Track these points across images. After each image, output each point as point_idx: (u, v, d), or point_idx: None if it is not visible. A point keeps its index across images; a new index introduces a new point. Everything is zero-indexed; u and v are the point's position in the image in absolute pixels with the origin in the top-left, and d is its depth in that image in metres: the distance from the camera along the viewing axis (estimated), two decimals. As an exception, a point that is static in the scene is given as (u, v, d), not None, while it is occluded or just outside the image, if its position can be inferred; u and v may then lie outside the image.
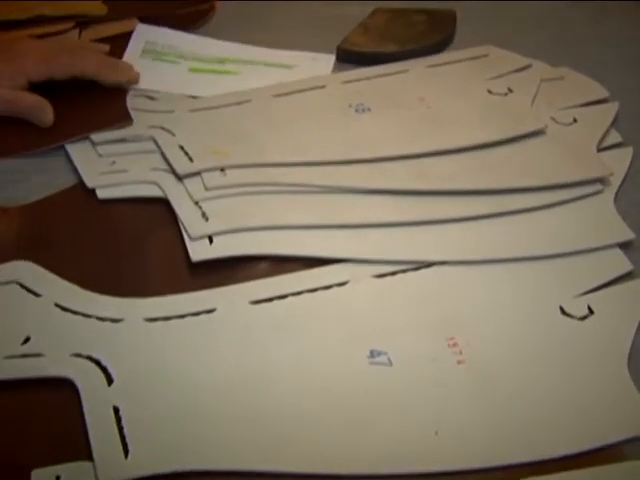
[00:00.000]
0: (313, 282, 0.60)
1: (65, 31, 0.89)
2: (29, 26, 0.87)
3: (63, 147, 0.74)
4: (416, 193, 0.67)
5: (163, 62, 0.87)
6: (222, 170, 0.68)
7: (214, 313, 0.58)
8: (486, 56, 0.87)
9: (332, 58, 0.88)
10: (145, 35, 0.90)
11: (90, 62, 0.77)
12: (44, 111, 0.74)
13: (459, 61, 0.86)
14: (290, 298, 0.59)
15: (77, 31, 0.89)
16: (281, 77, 0.84)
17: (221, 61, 0.87)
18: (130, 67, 0.80)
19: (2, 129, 0.75)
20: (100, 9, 0.91)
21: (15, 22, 0.87)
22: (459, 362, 0.55)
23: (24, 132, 0.75)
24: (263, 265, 0.62)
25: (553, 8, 1.01)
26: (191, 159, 0.69)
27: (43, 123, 0.74)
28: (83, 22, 0.90)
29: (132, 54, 0.87)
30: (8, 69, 0.74)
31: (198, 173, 0.68)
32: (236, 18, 0.97)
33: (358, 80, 0.83)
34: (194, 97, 0.81)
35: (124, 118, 0.75)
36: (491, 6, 1.01)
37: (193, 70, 0.85)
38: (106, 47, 0.84)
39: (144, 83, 0.82)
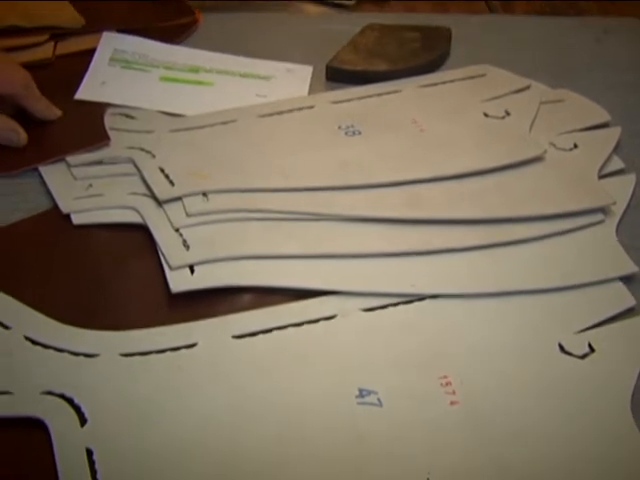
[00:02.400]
0: (299, 315, 0.58)
1: (39, 43, 0.85)
2: (1, 37, 0.84)
3: (36, 168, 0.70)
4: (408, 222, 0.64)
5: (132, 70, 0.83)
6: (204, 195, 0.65)
7: (195, 348, 0.55)
8: (483, 76, 0.84)
9: (310, 69, 0.85)
10: (113, 43, 0.87)
11: (19, 81, 0.73)
12: (14, 132, 0.71)
13: (454, 81, 0.83)
14: (275, 332, 0.56)
15: (52, 44, 0.85)
16: (257, 89, 0.82)
17: (194, 70, 0.84)
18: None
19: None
20: (76, 21, 0.88)
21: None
22: (452, 403, 0.52)
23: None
24: (247, 297, 0.59)
25: (552, 27, 0.98)
26: (172, 183, 0.66)
27: (16, 144, 0.71)
28: (58, 34, 0.86)
29: (99, 62, 0.84)
30: None
31: (179, 198, 0.65)
32: (221, 32, 0.93)
33: (348, 100, 0.80)
34: (173, 114, 0.77)
35: (102, 138, 0.71)
36: (488, 24, 0.98)
37: (164, 79, 0.82)
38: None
39: (112, 95, 0.79)
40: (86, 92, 0.79)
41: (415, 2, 1.05)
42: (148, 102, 0.78)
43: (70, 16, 0.88)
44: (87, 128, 0.74)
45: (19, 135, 0.71)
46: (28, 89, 0.73)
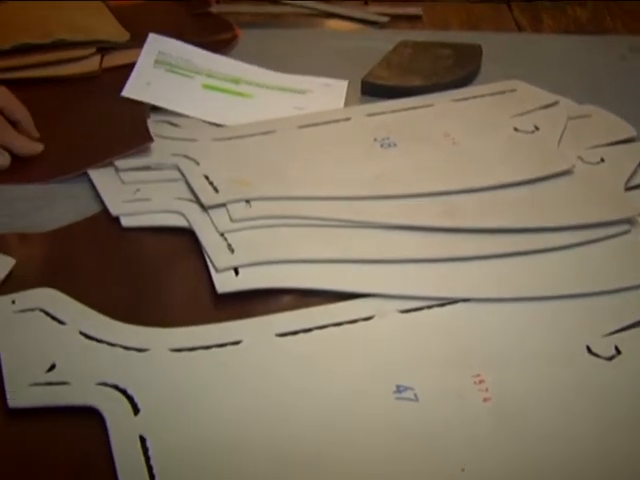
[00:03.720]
0: (338, 316, 0.60)
1: (86, 57, 0.89)
2: (48, 51, 0.88)
3: (86, 173, 0.73)
4: (443, 230, 0.67)
5: (176, 75, 0.86)
6: (247, 202, 0.68)
7: (240, 345, 0.57)
8: (513, 91, 0.86)
9: (345, 84, 0.88)
10: (158, 45, 0.90)
11: None
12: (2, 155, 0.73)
13: (485, 96, 0.86)
14: (316, 331, 0.59)
15: (98, 57, 0.89)
16: (295, 102, 0.85)
17: (235, 81, 0.87)
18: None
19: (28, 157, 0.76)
20: (122, 35, 0.91)
21: (34, 46, 0.87)
22: (485, 400, 0.54)
23: (47, 159, 0.75)
24: (288, 298, 0.62)
25: (579, 45, 1.01)
26: (216, 190, 0.69)
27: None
28: (104, 48, 0.90)
29: (145, 63, 0.87)
30: None
31: (223, 204, 0.68)
32: (259, 47, 0.97)
33: (383, 113, 0.82)
34: (216, 124, 0.80)
35: (146, 139, 0.75)
36: (516, 41, 1.01)
37: (206, 87, 0.85)
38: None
39: (156, 96, 0.82)
40: (132, 90, 0.83)
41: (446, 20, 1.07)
42: (190, 108, 0.82)
43: (115, 30, 0.91)
44: (131, 130, 0.77)
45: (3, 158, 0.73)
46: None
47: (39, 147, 0.75)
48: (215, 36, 0.96)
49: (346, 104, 0.86)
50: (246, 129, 0.79)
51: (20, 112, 0.76)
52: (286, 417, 0.52)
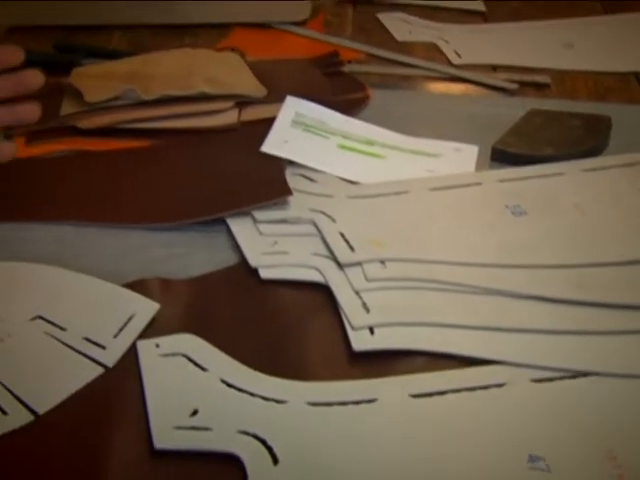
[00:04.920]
0: (471, 381, 0.61)
1: (225, 110, 0.92)
2: (189, 102, 0.91)
3: (225, 222, 0.76)
4: (573, 302, 0.67)
5: (312, 134, 0.89)
6: (382, 262, 0.69)
7: (375, 403, 0.58)
8: (642, 163, 0.87)
9: (475, 149, 0.89)
10: (295, 106, 0.93)
11: None
12: None
13: (614, 167, 0.86)
14: (449, 395, 0.59)
15: (237, 111, 0.92)
16: (427, 165, 0.86)
17: (369, 142, 0.89)
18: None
19: (165, 198, 0.79)
20: (259, 91, 0.94)
21: (177, 98, 0.90)
22: (620, 477, 0.54)
23: (185, 203, 0.78)
24: (420, 359, 0.63)
25: None
26: (352, 248, 0.71)
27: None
28: (242, 102, 0.93)
29: (282, 123, 0.90)
30: None
31: (359, 263, 0.69)
32: (389, 108, 0.98)
33: (514, 180, 0.83)
34: (351, 181, 0.82)
35: (285, 192, 0.77)
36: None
37: (341, 147, 0.88)
38: None
39: (294, 153, 0.84)
40: (270, 146, 0.85)
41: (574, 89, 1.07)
42: (327, 166, 0.84)
43: (253, 86, 0.94)
44: (270, 182, 0.80)
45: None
46: None
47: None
48: (348, 95, 0.98)
49: (476, 169, 0.86)
50: (380, 188, 0.80)
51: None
52: (417, 478, 0.53)
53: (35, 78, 0.71)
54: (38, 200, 0.80)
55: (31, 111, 0.71)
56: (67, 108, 0.90)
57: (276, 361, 0.62)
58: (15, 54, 0.70)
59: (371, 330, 0.64)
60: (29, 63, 1.00)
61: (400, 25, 1.24)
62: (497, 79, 1.07)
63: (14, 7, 1.17)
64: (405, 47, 1.17)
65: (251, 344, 0.64)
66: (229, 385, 0.59)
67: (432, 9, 1.31)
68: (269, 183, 0.79)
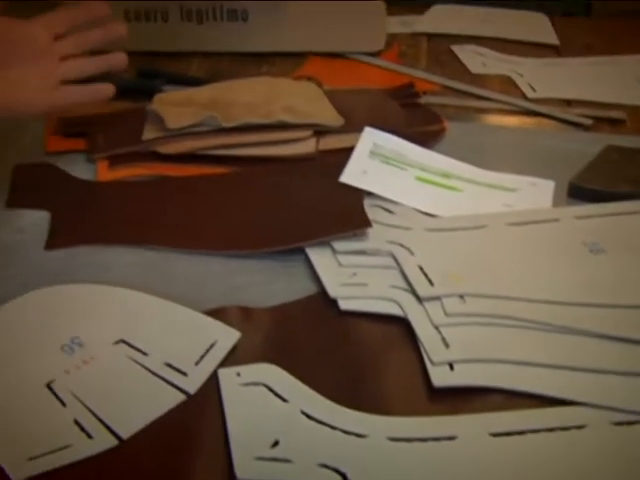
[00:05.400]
0: (551, 421, 0.60)
1: (302, 139, 0.92)
2: (268, 130, 0.92)
3: (303, 251, 0.76)
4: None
5: (390, 166, 0.89)
6: (461, 297, 0.69)
7: (455, 441, 0.58)
8: None
9: (552, 185, 0.89)
10: (373, 137, 0.93)
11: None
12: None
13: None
14: (529, 435, 0.59)
15: (315, 140, 0.92)
16: (503, 199, 0.86)
17: (446, 175, 0.89)
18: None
19: (245, 225, 0.80)
20: (337, 120, 0.95)
21: (256, 126, 0.91)
22: None
23: (265, 231, 0.79)
24: (499, 396, 0.62)
25: None
26: (431, 282, 0.71)
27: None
28: (320, 131, 0.94)
29: (361, 154, 0.90)
30: None
31: (438, 297, 0.69)
32: (464, 140, 0.98)
33: (592, 217, 0.83)
34: (428, 214, 0.83)
35: (364, 224, 0.77)
36: None
37: (419, 179, 0.88)
38: None
39: (372, 184, 0.85)
40: (349, 177, 0.86)
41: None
42: (405, 198, 0.84)
43: (331, 116, 0.95)
44: (349, 213, 0.80)
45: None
46: None
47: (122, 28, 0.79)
48: (424, 127, 0.99)
49: (553, 205, 0.86)
50: (458, 222, 0.80)
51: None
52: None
53: (120, 28, 0.81)
54: (120, 223, 0.81)
55: (121, 59, 0.74)
56: (149, 133, 0.91)
57: (355, 393, 0.62)
58: (101, 7, 0.74)
59: (451, 366, 0.64)
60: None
61: (474, 57, 1.24)
62: (572, 114, 1.07)
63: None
64: (479, 79, 1.17)
65: (330, 375, 0.64)
66: (309, 417, 0.59)
67: (505, 42, 1.32)
68: (348, 214, 0.79)
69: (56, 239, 0.78)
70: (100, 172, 0.89)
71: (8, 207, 0.84)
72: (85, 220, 0.81)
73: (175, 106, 0.94)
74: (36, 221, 0.81)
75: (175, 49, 1.20)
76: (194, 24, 1.18)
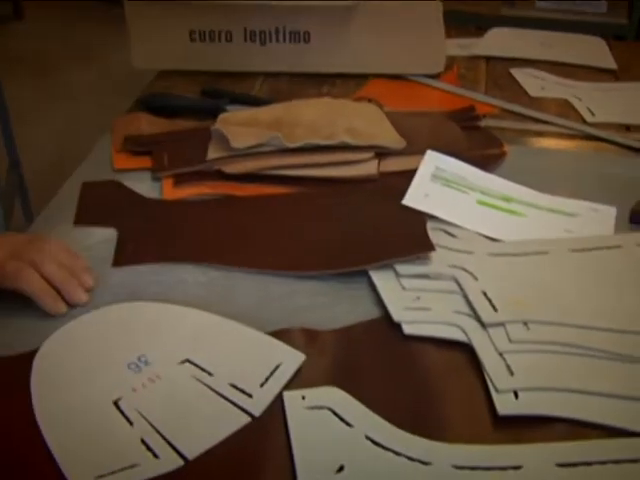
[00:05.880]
0: (618, 452, 0.60)
1: (364, 160, 0.93)
2: (330, 151, 0.92)
3: (366, 273, 0.76)
4: None
5: (452, 189, 0.89)
6: (525, 323, 0.69)
7: (520, 470, 0.58)
8: None
9: (613, 211, 0.88)
10: (435, 161, 0.94)
11: (32, 285, 0.71)
12: (55, 301, 0.72)
13: None
14: (596, 466, 0.59)
15: (376, 161, 0.93)
16: (565, 224, 0.86)
17: (507, 199, 0.89)
18: (75, 289, 0.73)
19: (308, 246, 0.80)
20: (398, 142, 0.95)
21: (319, 147, 0.92)
22: None
23: (326, 252, 0.79)
24: (563, 426, 0.62)
25: None
26: (495, 308, 0.71)
27: (50, 312, 0.72)
28: (382, 153, 0.94)
29: (423, 177, 0.91)
30: None
31: (502, 323, 0.69)
32: (524, 164, 0.98)
33: (655, 244, 0.82)
34: (490, 238, 0.83)
35: (428, 247, 0.77)
36: None
37: (480, 203, 0.88)
38: (75, 260, 0.76)
39: (434, 207, 0.85)
40: (411, 200, 0.86)
41: None
42: (467, 221, 0.85)
43: (393, 138, 0.95)
44: (413, 236, 0.80)
45: (57, 305, 0.72)
46: (42, 295, 0.72)
47: (63, 308, 0.73)
48: (484, 151, 0.99)
49: (615, 231, 0.86)
50: (520, 247, 0.80)
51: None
52: None
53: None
54: (185, 242, 0.82)
55: (81, 298, 0.73)
56: (213, 153, 0.92)
57: (419, 418, 0.62)
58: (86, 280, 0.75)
59: (515, 394, 0.63)
60: (179, 108, 1.05)
61: (533, 81, 1.24)
62: (631, 139, 1.06)
63: (166, 53, 1.21)
64: (537, 103, 1.17)
65: (394, 399, 0.64)
66: (374, 442, 0.59)
67: (563, 65, 1.31)
68: (411, 237, 0.80)
69: (122, 257, 0.79)
70: (165, 190, 0.90)
71: (76, 224, 0.85)
72: (151, 238, 0.82)
73: (239, 126, 0.94)
74: (103, 239, 0.82)
75: (238, 69, 1.21)
76: (257, 45, 1.19)
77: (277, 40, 1.19)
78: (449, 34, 1.23)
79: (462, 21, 1.83)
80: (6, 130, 2.17)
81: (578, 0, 2.06)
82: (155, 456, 0.58)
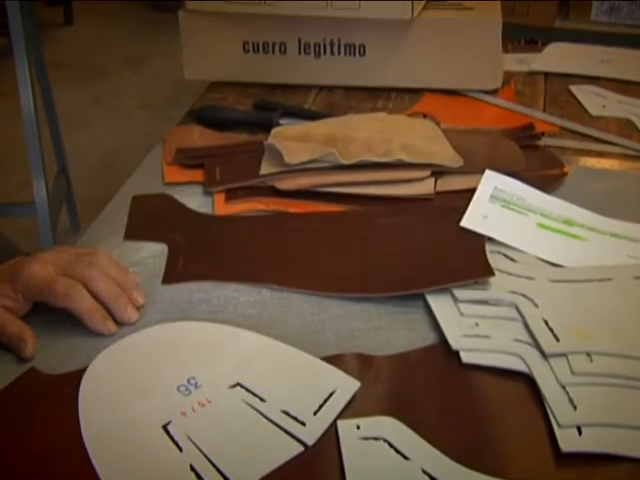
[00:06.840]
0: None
1: (420, 179, 0.91)
2: (386, 169, 0.90)
3: (423, 296, 0.74)
4: None
5: (511, 211, 0.87)
6: (588, 354, 0.67)
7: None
8: None
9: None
10: (494, 181, 0.91)
11: (81, 304, 0.69)
12: (24, 342, 0.68)
13: None
14: (664, 511, 0.56)
15: (433, 180, 0.90)
16: (628, 250, 0.83)
17: (568, 222, 0.86)
18: (125, 307, 0.71)
19: (363, 267, 0.79)
20: (456, 161, 0.93)
21: (374, 164, 0.90)
22: None
23: (384, 273, 0.78)
24: (629, 465, 0.59)
25: None
26: (556, 337, 0.68)
27: (20, 354, 0.68)
28: (438, 172, 0.92)
29: (481, 197, 0.88)
30: (7, 289, 0.70)
31: (564, 354, 0.66)
32: (585, 185, 0.95)
33: None
34: (551, 263, 0.80)
35: (487, 272, 0.75)
36: None
37: (540, 226, 0.85)
38: (125, 276, 0.74)
39: (493, 230, 0.83)
40: (469, 222, 0.84)
41: None
42: (526, 245, 0.82)
43: (450, 156, 0.93)
44: (471, 259, 0.78)
45: (26, 348, 0.68)
46: (91, 314, 0.70)
47: (113, 328, 0.71)
48: (544, 171, 0.96)
49: (679, 260, 0.83)
50: (582, 273, 0.78)
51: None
52: None
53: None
54: (236, 260, 0.80)
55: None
56: (267, 168, 0.90)
57: (477, 452, 0.60)
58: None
59: (579, 429, 0.61)
60: (231, 121, 1.04)
61: (593, 99, 1.21)
62: (698, 161, 1.03)
63: (219, 64, 1.20)
64: (598, 122, 1.14)
65: (452, 431, 0.62)
66: (431, 477, 0.57)
67: (624, 83, 1.28)
68: (470, 260, 0.77)
69: (173, 274, 0.78)
70: (217, 205, 0.88)
71: (126, 239, 0.83)
72: (201, 255, 0.81)
73: (293, 141, 0.93)
74: (153, 254, 0.81)
75: (292, 82, 1.20)
76: (311, 57, 1.17)
77: (332, 53, 1.17)
78: (505, 48, 1.21)
79: (514, 34, 1.79)
80: (55, 136, 2.18)
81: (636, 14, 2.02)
82: (205, 485, 0.56)
